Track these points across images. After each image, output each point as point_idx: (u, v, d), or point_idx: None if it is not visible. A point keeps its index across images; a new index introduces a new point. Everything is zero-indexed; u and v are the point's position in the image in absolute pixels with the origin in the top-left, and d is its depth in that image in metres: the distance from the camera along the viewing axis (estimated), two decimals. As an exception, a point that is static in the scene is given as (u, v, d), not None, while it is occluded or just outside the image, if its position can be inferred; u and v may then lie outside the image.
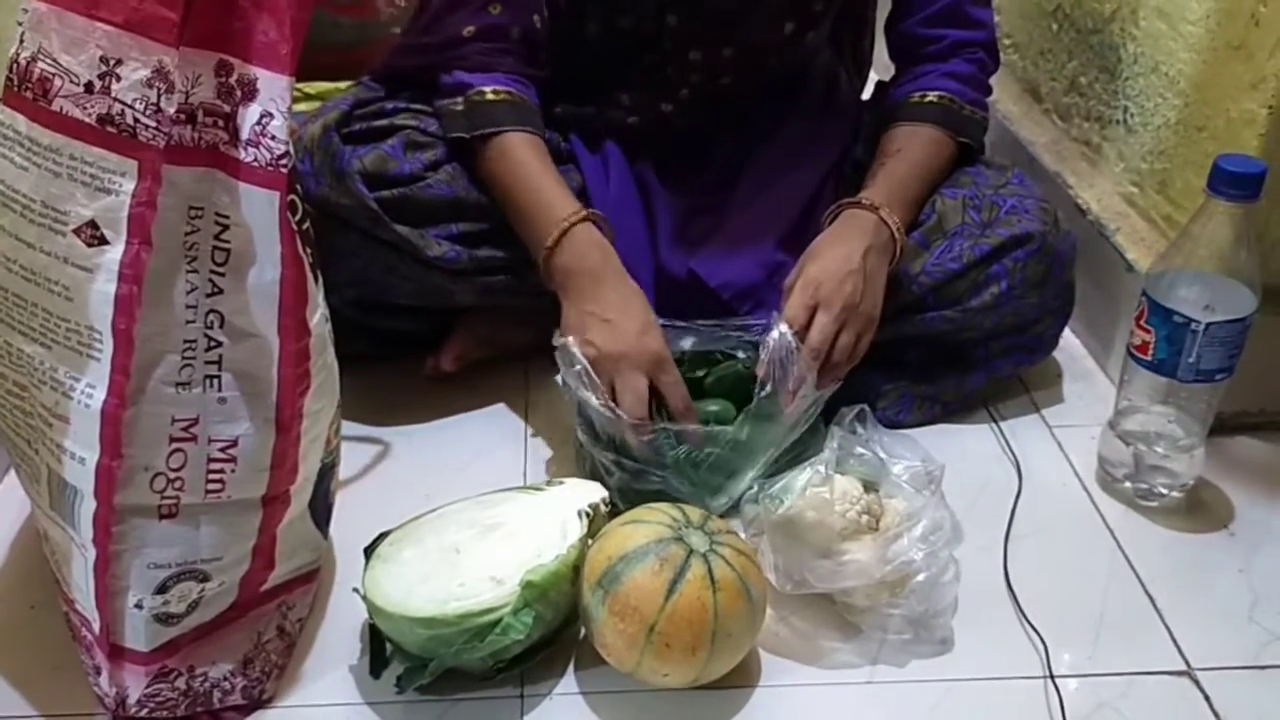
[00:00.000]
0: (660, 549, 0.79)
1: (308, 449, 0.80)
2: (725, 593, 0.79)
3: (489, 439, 1.08)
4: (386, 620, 0.81)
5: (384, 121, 1.04)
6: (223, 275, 0.73)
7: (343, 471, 0.98)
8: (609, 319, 0.94)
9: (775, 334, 0.96)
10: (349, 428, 1.06)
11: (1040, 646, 0.86)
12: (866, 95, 1.25)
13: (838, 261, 0.98)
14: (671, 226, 1.11)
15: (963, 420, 1.11)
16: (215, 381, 0.73)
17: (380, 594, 0.81)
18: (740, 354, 1.03)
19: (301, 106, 1.17)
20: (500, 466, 1.04)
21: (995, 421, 1.11)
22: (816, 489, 0.85)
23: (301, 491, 0.82)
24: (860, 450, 0.89)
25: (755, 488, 0.90)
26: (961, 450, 1.05)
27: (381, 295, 1.07)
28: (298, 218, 0.75)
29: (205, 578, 0.76)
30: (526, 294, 1.06)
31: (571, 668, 0.85)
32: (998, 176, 1.10)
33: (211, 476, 0.74)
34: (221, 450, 0.74)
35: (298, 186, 0.76)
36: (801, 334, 0.96)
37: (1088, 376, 1.19)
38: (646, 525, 0.82)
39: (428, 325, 1.12)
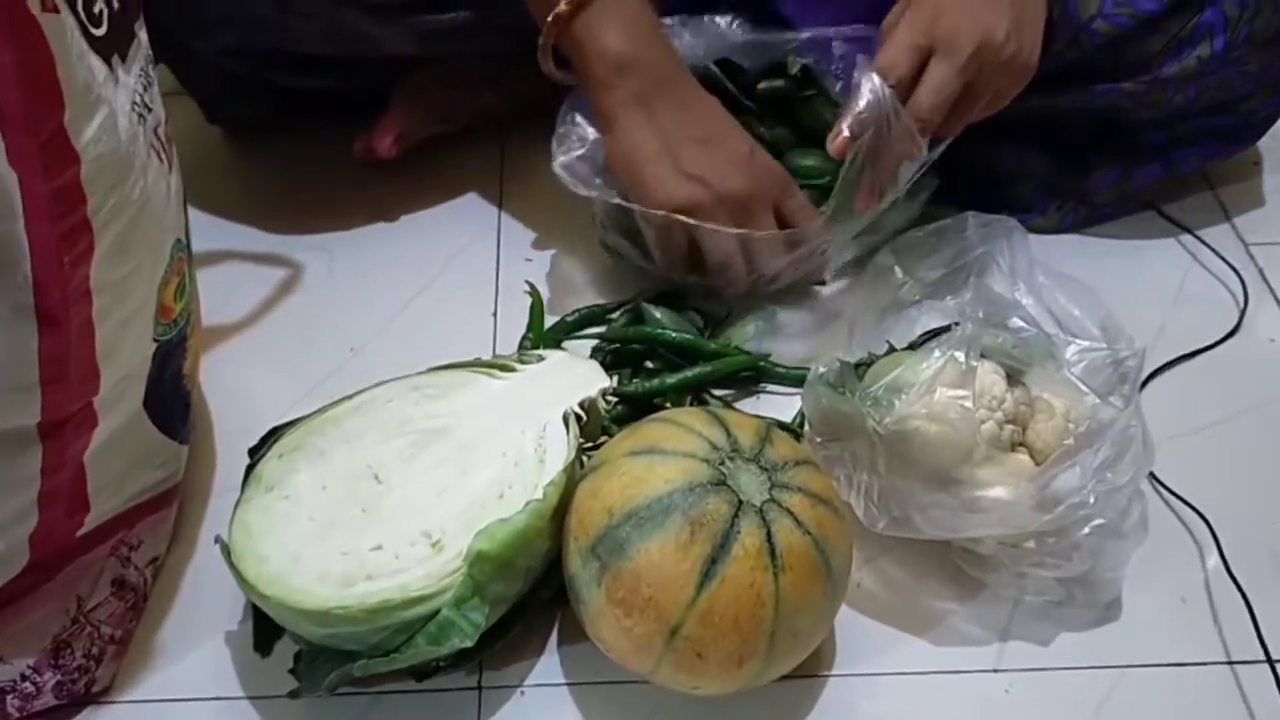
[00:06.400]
0: (690, 502, 0.49)
1: (116, 337, 0.50)
2: (793, 574, 0.49)
3: (443, 258, 0.79)
4: (262, 602, 0.52)
5: None
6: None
7: (234, 308, 0.72)
8: (706, 139, 0.67)
9: (865, 90, 0.65)
10: (240, 236, 0.78)
11: (1246, 610, 0.57)
12: None
13: None
14: None
15: (1122, 230, 0.79)
16: (-90, 248, 0.42)
17: (252, 558, 0.52)
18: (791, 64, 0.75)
19: None
20: (460, 301, 0.75)
21: (1183, 231, 0.79)
22: (950, 391, 0.54)
23: (118, 401, 0.52)
24: (1015, 321, 0.57)
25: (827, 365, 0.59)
26: (1120, 274, 0.75)
27: (278, 41, 0.73)
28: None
29: (-42, 551, 0.48)
30: (496, 39, 0.73)
31: (554, 642, 0.57)
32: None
33: (-68, 405, 0.45)
34: (-59, 362, 0.44)
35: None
36: (904, 89, 0.65)
37: (1299, 168, 0.85)
38: (670, 459, 0.51)
39: (356, 84, 0.80)
